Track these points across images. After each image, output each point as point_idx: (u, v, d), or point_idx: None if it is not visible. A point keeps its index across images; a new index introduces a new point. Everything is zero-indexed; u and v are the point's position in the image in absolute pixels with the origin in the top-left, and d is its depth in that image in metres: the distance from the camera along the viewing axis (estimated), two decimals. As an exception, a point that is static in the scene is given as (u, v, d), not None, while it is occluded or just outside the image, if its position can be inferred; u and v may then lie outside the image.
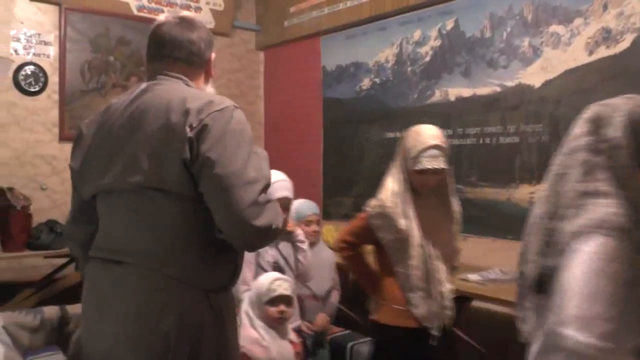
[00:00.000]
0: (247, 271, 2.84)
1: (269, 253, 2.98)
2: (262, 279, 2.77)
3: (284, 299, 2.71)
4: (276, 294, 2.68)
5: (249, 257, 2.87)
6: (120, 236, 1.79)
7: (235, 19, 5.81)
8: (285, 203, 2.58)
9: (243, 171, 1.66)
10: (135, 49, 5.05)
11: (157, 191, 1.71)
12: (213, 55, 1.98)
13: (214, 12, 5.54)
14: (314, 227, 3.64)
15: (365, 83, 4.95)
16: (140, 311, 1.71)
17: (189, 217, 1.72)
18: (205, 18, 5.34)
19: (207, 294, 1.76)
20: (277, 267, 2.98)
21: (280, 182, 2.76)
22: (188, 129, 1.66)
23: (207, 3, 5.48)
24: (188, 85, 1.85)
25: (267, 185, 1.74)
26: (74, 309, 3.33)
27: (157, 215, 1.73)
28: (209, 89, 1.99)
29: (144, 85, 1.85)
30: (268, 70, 6.05)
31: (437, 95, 4.38)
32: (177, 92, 1.76)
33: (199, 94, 1.78)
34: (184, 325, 1.70)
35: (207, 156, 1.65)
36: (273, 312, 2.69)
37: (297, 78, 5.63)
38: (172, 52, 1.87)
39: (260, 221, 1.66)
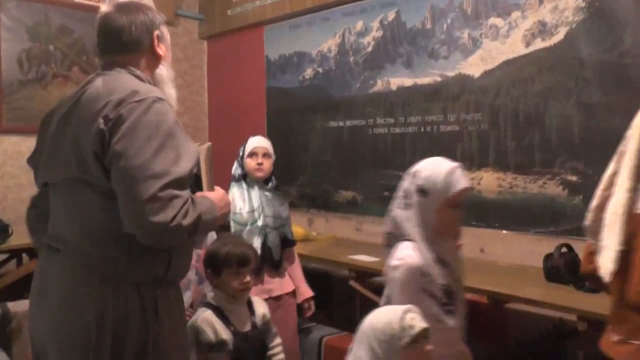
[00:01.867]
0: None
1: (439, 274, 2.09)
2: (381, 317, 1.94)
3: (424, 334, 1.87)
4: (415, 331, 1.85)
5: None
6: (58, 225, 1.83)
7: (179, 8, 5.75)
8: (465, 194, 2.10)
9: (148, 164, 1.61)
10: (78, 38, 4.90)
11: (82, 184, 1.73)
12: (156, 34, 1.92)
13: (156, 1, 5.47)
14: None
15: (309, 73, 5.00)
16: (66, 301, 1.73)
17: (114, 210, 1.66)
18: (146, 6, 5.27)
19: (137, 288, 1.74)
20: (447, 292, 2.11)
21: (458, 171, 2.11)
22: (102, 121, 1.66)
23: (149, -9, 5.41)
24: (133, 73, 1.83)
25: (178, 181, 1.65)
26: (16, 306, 3.29)
27: (83, 208, 1.74)
28: (165, 71, 1.96)
29: (90, 77, 1.86)
30: (212, 60, 6.01)
31: (379, 85, 4.47)
32: (112, 83, 1.75)
33: (129, 85, 1.73)
34: (106, 318, 1.69)
35: (114, 148, 1.63)
36: (419, 354, 1.88)
37: (241, 68, 5.62)
38: (109, 42, 1.88)
39: (159, 217, 1.58)
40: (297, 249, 4.05)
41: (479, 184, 3.83)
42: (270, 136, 5.35)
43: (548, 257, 3.07)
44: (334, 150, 4.77)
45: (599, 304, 2.59)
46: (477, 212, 3.82)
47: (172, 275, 1.83)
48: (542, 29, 3.52)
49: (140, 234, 1.63)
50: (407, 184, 2.14)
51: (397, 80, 4.35)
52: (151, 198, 1.58)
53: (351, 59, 4.67)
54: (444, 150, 4.00)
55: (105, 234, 1.72)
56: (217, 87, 5.95)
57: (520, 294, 2.86)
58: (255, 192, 3.12)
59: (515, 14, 3.66)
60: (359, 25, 4.60)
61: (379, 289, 3.71)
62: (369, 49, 4.55)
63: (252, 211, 3.06)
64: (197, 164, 1.88)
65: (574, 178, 3.37)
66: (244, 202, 3.08)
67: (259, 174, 3.11)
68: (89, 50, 4.87)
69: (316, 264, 4.57)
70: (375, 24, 4.49)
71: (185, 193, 1.66)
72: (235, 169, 3.17)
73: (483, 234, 3.76)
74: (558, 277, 2.97)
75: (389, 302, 2.05)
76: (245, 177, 3.14)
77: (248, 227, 3.02)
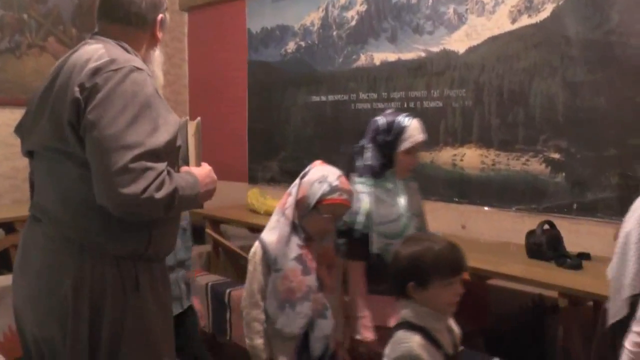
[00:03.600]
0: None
1: None
2: None
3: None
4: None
5: None
6: (41, 195, 1.81)
7: (158, -23, 5.62)
8: None
9: (121, 135, 1.57)
10: (53, 7, 4.77)
11: (61, 153, 1.71)
12: (160, 17, 1.90)
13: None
14: None
15: (291, 46, 4.94)
16: (43, 270, 1.74)
17: (92, 181, 1.63)
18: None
19: (117, 260, 1.73)
20: None
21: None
22: (77, 90, 1.63)
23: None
24: (122, 46, 1.80)
25: (153, 152, 1.60)
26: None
27: (63, 178, 1.72)
28: (156, 55, 1.94)
29: (80, 43, 1.83)
30: (192, 32, 5.92)
31: (362, 60, 4.43)
32: (92, 52, 1.72)
33: (107, 54, 1.69)
34: (82, 289, 1.69)
35: (88, 118, 1.60)
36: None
37: (222, 41, 5.55)
38: (111, 11, 1.84)
39: (129, 189, 1.55)
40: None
41: (461, 160, 3.83)
42: (251, 110, 5.34)
43: (530, 234, 3.08)
44: (316, 125, 4.73)
45: (580, 281, 2.62)
46: (459, 188, 3.83)
47: (154, 251, 1.80)
48: (529, 5, 3.50)
49: (111, 205, 1.59)
50: None
51: (381, 55, 4.31)
52: (122, 169, 1.55)
53: (334, 33, 4.62)
54: (427, 126, 3.98)
55: (84, 205, 1.69)
56: (197, 59, 5.87)
57: (502, 270, 2.87)
58: (401, 189, 2.40)
59: (502, -11, 3.63)
60: (343, -2, 4.55)
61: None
62: (353, 23, 4.50)
63: (399, 217, 2.36)
64: (185, 138, 1.87)
65: (557, 156, 3.37)
66: (391, 206, 2.36)
67: (408, 174, 2.46)
68: (66, 20, 4.78)
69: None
70: (360, -2, 4.44)
71: (160, 165, 1.62)
72: (371, 158, 2.37)
73: (465, 211, 3.77)
74: (540, 254, 2.98)
75: None
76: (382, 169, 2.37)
77: (398, 241, 2.17)
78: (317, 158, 4.61)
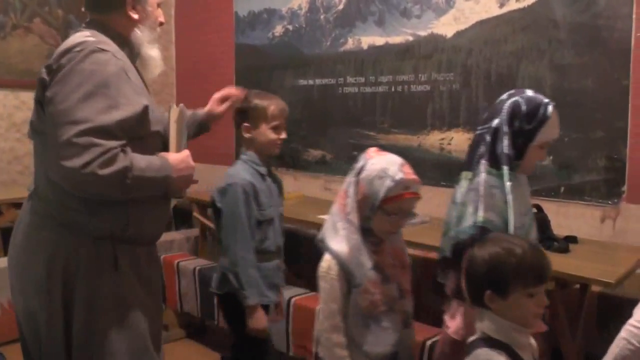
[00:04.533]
0: None
1: None
2: None
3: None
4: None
5: None
6: (34, 173, 1.89)
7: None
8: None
9: (70, 110, 1.61)
10: (38, -13, 4.76)
11: (40, 133, 1.78)
12: None
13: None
14: None
15: (279, 30, 4.91)
16: (24, 244, 1.84)
17: None
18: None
19: (95, 241, 1.77)
20: None
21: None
22: (45, 71, 1.72)
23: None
24: (100, 31, 1.84)
25: (102, 129, 1.62)
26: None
27: (44, 156, 1.77)
28: (142, 33, 1.94)
29: None
30: (180, 15, 5.87)
31: (350, 44, 4.42)
32: (72, 38, 1.78)
33: (81, 38, 1.75)
34: (56, 264, 1.76)
35: (47, 95, 1.67)
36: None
37: (209, 23, 5.50)
38: (86, 2, 1.93)
39: (70, 162, 1.58)
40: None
41: (449, 144, 3.83)
42: (239, 94, 5.31)
43: (518, 217, 3.09)
44: (304, 109, 4.72)
45: (567, 264, 2.63)
46: (446, 172, 3.83)
47: (135, 233, 1.84)
48: (517, -11, 3.50)
49: (57, 178, 1.66)
50: None
51: (369, 38, 4.30)
52: (66, 142, 1.59)
53: (322, 16, 4.60)
54: (414, 110, 4.00)
55: None
56: (185, 42, 5.83)
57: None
58: (525, 186, 2.10)
59: (490, -27, 3.63)
60: (331, -19, 4.53)
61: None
62: (340, 6, 4.48)
63: (525, 218, 2.04)
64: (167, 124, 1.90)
65: (544, 139, 3.38)
66: (520, 206, 1.98)
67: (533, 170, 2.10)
68: (51, 1, 4.70)
69: (285, 224, 4.55)
70: (348, -19, 4.42)
71: (111, 143, 1.62)
72: (505, 146, 1.92)
73: (451, 194, 3.77)
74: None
75: None
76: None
77: None
78: (304, 141, 4.56)
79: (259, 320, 2.37)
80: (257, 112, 2.44)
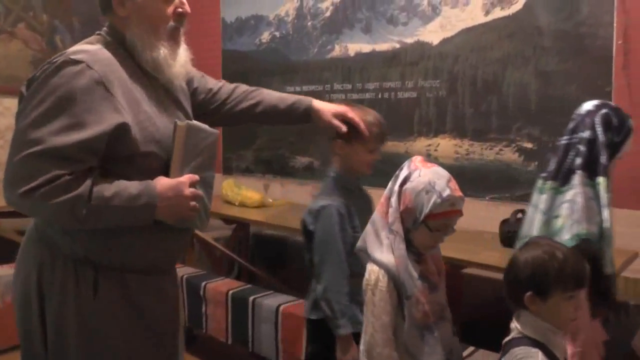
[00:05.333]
0: None
1: None
2: None
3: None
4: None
5: None
6: None
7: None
8: None
9: (27, 130, 1.50)
10: (21, -9, 4.73)
11: None
12: None
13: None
14: None
15: (266, 36, 4.93)
16: (17, 258, 1.79)
17: None
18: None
19: (75, 263, 1.66)
20: None
21: None
22: (25, 84, 1.62)
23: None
24: (109, 35, 1.72)
25: (54, 152, 1.49)
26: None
27: None
28: (138, 30, 1.69)
29: None
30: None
31: (337, 50, 4.44)
32: None
33: (74, 48, 1.62)
34: (31, 280, 1.69)
35: (17, 111, 1.59)
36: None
37: (196, 29, 5.47)
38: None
39: (16, 188, 1.48)
40: (253, 215, 4.04)
41: (436, 150, 3.86)
42: (225, 100, 5.30)
43: (504, 222, 3.12)
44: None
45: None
46: (433, 178, 3.85)
47: (120, 260, 1.69)
48: (502, -2, 3.54)
49: (6, 201, 1.56)
50: None
51: (356, 45, 4.32)
52: (14, 165, 1.50)
53: (309, 23, 4.62)
54: (401, 117, 4.02)
55: None
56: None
57: (477, 259, 2.90)
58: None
59: (476, -18, 3.67)
60: (318, -12, 4.55)
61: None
62: (327, 13, 4.51)
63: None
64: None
65: (529, 145, 3.42)
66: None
67: None
68: (36, 6, 4.67)
69: (272, 231, 4.56)
70: (335, -12, 4.45)
71: (61, 169, 1.48)
72: (605, 158, 1.92)
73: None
74: (514, 242, 3.01)
75: None
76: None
77: None
78: (292, 148, 4.53)
79: (349, 351, 2.18)
80: (352, 129, 2.23)
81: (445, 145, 3.82)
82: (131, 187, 1.59)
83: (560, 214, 1.90)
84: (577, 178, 1.90)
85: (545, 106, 3.34)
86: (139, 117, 1.62)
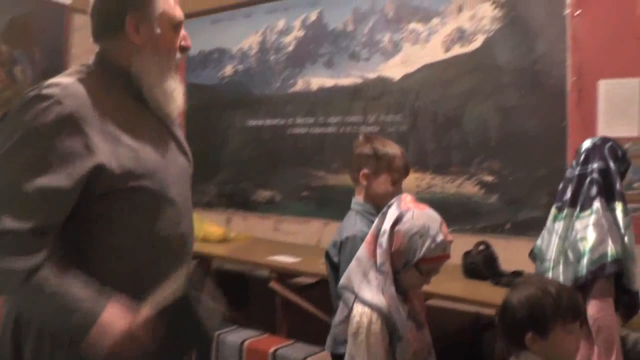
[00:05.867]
0: None
1: None
2: None
3: None
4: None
5: None
6: None
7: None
8: None
9: None
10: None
11: None
12: (130, 16, 1.52)
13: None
14: None
15: (229, 70, 4.96)
16: None
17: None
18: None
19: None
20: None
21: None
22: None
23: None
24: (99, 65, 1.57)
25: (7, 192, 1.35)
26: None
27: None
28: (151, 60, 1.55)
29: None
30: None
31: (300, 85, 4.49)
32: None
33: (49, 81, 1.45)
34: (7, 325, 1.50)
35: None
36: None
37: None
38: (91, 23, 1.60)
39: None
40: (214, 249, 4.01)
41: (398, 183, 3.91)
42: (188, 133, 5.28)
43: (466, 254, 3.17)
44: (254, 149, 4.74)
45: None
46: (396, 211, 3.90)
47: None
48: (461, 36, 3.65)
49: None
50: None
51: (318, 80, 4.38)
52: None
53: (272, 57, 4.67)
54: (364, 151, 4.07)
55: None
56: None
57: (440, 290, 2.91)
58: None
59: (435, 20, 3.77)
60: (281, 23, 4.61)
61: (300, 290, 3.72)
62: (290, 48, 4.57)
63: None
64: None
65: (490, 178, 3.50)
66: None
67: None
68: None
69: (234, 265, 4.53)
70: (297, 24, 4.51)
71: (15, 218, 1.31)
72: (619, 185, 2.15)
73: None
74: (476, 273, 3.07)
75: None
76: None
77: None
78: (254, 181, 4.51)
79: None
80: (382, 160, 2.27)
81: (407, 178, 3.85)
82: (87, 295, 1.36)
83: (586, 236, 2.05)
84: (598, 204, 2.07)
85: (505, 140, 3.43)
86: (118, 152, 1.45)
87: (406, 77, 3.90)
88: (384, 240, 1.78)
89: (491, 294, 2.82)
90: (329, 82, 4.32)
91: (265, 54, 4.71)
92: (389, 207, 1.84)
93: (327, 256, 2.29)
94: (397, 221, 1.78)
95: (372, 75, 4.07)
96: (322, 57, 4.37)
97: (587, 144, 2.24)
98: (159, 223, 1.53)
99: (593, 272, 1.99)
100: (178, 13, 1.60)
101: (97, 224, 1.46)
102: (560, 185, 2.28)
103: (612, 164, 2.14)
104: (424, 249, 1.74)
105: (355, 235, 2.17)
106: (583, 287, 1.99)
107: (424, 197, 3.76)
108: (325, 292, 3.83)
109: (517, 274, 3.04)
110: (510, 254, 3.30)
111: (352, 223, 2.26)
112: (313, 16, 4.42)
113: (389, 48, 4.00)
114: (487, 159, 3.52)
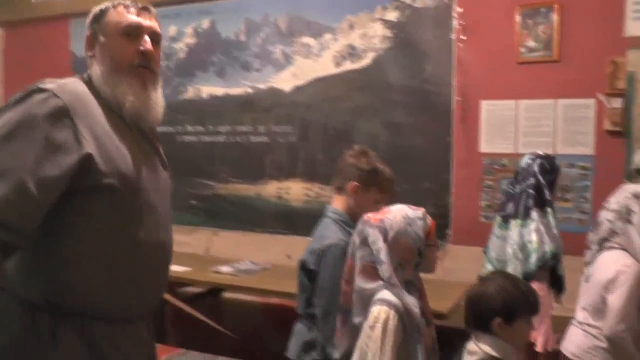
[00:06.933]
0: None
1: None
2: None
3: None
4: None
5: None
6: None
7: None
8: None
9: None
10: None
11: None
12: (88, 34, 1.70)
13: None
14: None
15: (117, 74, 4.84)
16: None
17: None
18: None
19: (33, 310, 1.48)
20: None
21: None
22: None
23: None
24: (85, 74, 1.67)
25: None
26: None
27: None
28: (100, 70, 1.64)
29: None
30: (9, 50, 5.53)
31: (190, 92, 4.46)
32: None
33: (48, 79, 1.55)
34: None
35: None
36: None
37: (43, 62, 5.26)
38: None
39: None
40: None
41: (287, 193, 3.98)
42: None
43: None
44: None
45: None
46: (284, 220, 3.96)
47: (77, 303, 1.50)
48: (352, 52, 3.78)
49: None
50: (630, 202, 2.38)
51: (209, 88, 4.38)
52: None
53: (163, 64, 4.59)
54: (253, 160, 4.11)
55: None
56: (15, 82, 5.48)
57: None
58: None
59: (327, 36, 3.89)
60: (172, 30, 4.56)
61: (189, 299, 3.68)
62: (182, 55, 4.53)
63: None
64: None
65: (377, 190, 3.63)
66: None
67: None
68: None
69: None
70: (189, 31, 4.49)
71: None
72: (549, 194, 2.63)
73: (290, 241, 3.90)
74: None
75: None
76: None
77: None
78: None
79: None
80: (374, 176, 2.24)
81: (296, 188, 3.95)
82: None
83: (531, 239, 2.53)
84: (535, 214, 2.55)
85: (393, 154, 3.57)
86: (103, 148, 1.51)
87: (297, 89, 3.98)
88: (382, 256, 1.83)
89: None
90: (219, 91, 4.33)
91: (156, 60, 4.64)
92: (360, 234, 1.89)
93: (303, 264, 2.24)
94: (383, 234, 1.84)
95: (263, 86, 4.13)
96: (214, 66, 4.37)
97: (522, 163, 2.69)
98: (137, 227, 1.57)
99: (540, 267, 2.49)
100: (125, 19, 1.66)
101: (77, 221, 1.50)
102: (504, 199, 2.76)
103: (541, 179, 2.60)
104: (420, 229, 1.87)
105: (337, 244, 2.14)
106: (530, 278, 2.44)
107: (312, 206, 3.85)
108: (215, 300, 3.86)
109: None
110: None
111: (333, 231, 2.22)
112: (205, 24, 4.41)
113: (281, 60, 4.07)
114: (375, 171, 3.65)
